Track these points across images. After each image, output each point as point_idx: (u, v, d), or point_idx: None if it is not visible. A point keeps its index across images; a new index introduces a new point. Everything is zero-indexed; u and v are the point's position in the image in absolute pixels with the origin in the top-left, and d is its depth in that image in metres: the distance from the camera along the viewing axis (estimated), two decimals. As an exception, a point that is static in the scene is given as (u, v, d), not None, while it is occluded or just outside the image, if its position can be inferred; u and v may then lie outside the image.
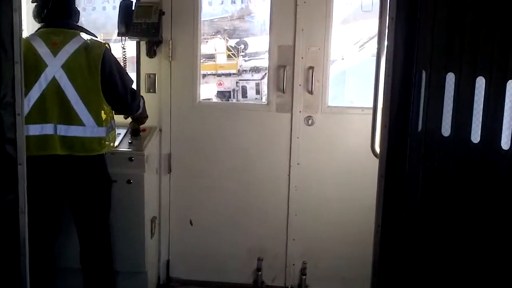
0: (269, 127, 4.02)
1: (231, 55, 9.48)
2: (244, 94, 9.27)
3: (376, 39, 2.83)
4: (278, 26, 3.89)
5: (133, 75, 3.77)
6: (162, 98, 4.05)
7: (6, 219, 2.52)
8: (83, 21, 3.89)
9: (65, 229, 3.52)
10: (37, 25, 3.47)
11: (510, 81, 2.28)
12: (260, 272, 4.17)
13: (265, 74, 9.08)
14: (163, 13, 3.86)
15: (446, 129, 2.53)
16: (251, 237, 4.14)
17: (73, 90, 3.25)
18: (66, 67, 3.25)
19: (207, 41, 7.50)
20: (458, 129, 2.48)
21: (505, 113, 2.30)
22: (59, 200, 3.45)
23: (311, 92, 3.90)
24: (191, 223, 4.19)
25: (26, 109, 3.07)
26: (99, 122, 3.32)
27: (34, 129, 3.23)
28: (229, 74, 9.27)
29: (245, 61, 9.69)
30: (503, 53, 2.29)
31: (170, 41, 3.94)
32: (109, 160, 3.48)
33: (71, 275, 3.60)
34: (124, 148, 3.69)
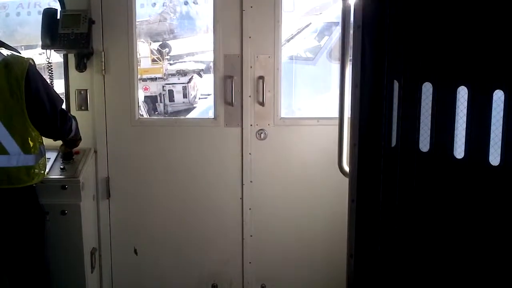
0: (217, 143, 3.81)
1: (156, 59, 9.27)
2: (171, 98, 9.16)
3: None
4: (223, 33, 3.70)
5: (61, 93, 3.51)
6: (96, 116, 3.78)
7: None
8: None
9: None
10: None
11: (496, 90, 2.08)
12: (215, 299, 4.01)
13: (192, 77, 9.08)
14: (93, 22, 3.61)
15: (424, 144, 2.37)
16: (202, 264, 3.96)
17: (-8, 116, 2.92)
18: (-17, 89, 2.90)
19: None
20: (438, 143, 2.33)
21: (492, 126, 2.11)
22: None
23: (262, 104, 3.71)
24: (135, 252, 3.97)
25: None
26: (25, 149, 3.03)
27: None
28: (154, 79, 9.11)
29: (170, 64, 9.52)
30: (488, 59, 2.11)
31: (103, 53, 3.69)
32: (39, 190, 3.19)
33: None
34: (55, 175, 3.44)
